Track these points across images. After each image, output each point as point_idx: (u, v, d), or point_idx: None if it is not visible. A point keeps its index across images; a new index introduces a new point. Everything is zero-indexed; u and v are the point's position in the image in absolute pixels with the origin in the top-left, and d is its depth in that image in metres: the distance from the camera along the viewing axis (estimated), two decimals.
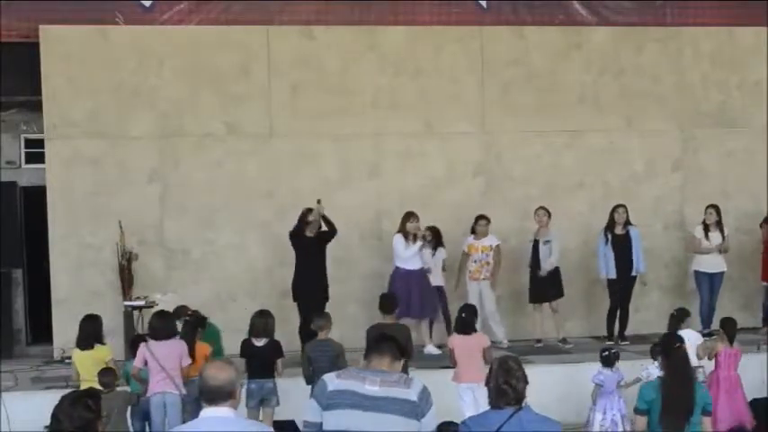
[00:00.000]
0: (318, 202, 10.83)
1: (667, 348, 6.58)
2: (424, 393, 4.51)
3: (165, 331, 8.68)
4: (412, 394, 4.50)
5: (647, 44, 12.95)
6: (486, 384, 4.74)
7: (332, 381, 4.63)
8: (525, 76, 12.61)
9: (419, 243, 11.07)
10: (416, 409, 4.47)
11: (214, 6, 12.11)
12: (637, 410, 6.49)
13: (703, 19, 13.12)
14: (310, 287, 10.77)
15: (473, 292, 11.60)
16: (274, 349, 8.91)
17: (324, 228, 10.88)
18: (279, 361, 8.91)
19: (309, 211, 10.82)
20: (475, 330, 9.38)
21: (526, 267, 12.06)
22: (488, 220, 11.71)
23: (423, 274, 11.25)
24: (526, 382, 4.71)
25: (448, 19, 12.58)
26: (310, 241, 10.85)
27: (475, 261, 11.66)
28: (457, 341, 9.18)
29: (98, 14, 11.78)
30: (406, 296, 10.55)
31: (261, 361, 8.83)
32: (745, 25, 13.13)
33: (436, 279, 11.60)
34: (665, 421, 6.20)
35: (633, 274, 11.76)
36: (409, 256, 11.07)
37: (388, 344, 4.71)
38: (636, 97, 12.85)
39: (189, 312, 9.43)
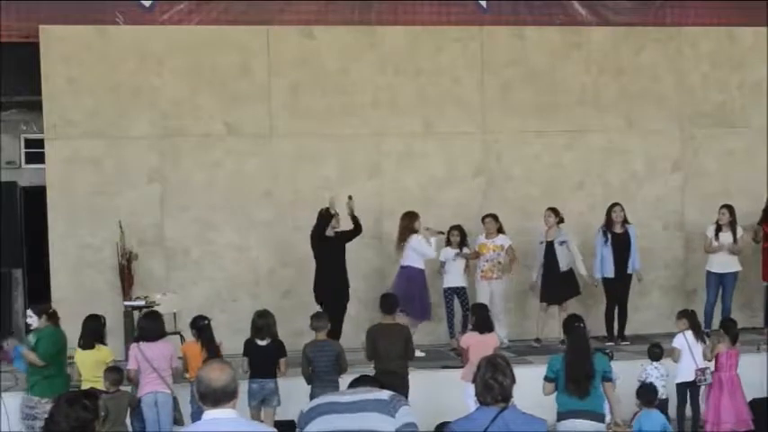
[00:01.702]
0: (350, 198, 10.85)
1: (569, 328, 7.84)
2: (396, 397, 4.66)
3: (155, 332, 8.75)
4: (383, 395, 4.61)
5: (647, 44, 12.95)
6: (474, 381, 4.76)
7: (309, 405, 4.79)
8: (525, 76, 12.60)
9: (433, 240, 11.17)
10: (388, 407, 4.55)
11: (214, 6, 12.11)
12: (546, 378, 7.63)
13: (703, 19, 13.13)
14: (338, 289, 10.75)
15: (484, 291, 11.60)
16: (277, 349, 8.91)
17: (339, 228, 10.85)
18: (282, 360, 8.91)
19: (328, 211, 10.77)
20: (493, 329, 9.48)
21: (528, 268, 12.07)
22: (494, 218, 11.71)
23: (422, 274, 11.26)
24: (513, 381, 4.72)
25: (448, 19, 12.58)
26: (333, 242, 10.83)
27: (487, 260, 11.64)
28: (473, 340, 9.20)
29: (98, 14, 11.79)
30: (413, 295, 10.64)
31: (263, 361, 8.84)
32: (745, 25, 13.13)
33: (458, 280, 11.65)
34: (570, 386, 7.41)
35: (630, 272, 11.79)
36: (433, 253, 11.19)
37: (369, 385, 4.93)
38: (636, 97, 12.85)
39: (49, 310, 9.32)
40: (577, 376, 7.45)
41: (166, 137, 11.92)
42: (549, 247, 11.67)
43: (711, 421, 9.26)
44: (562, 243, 11.67)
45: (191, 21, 12.10)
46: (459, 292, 11.64)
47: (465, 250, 11.66)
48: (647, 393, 8.33)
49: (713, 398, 9.32)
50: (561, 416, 7.48)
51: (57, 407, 4.46)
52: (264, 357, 8.82)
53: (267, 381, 8.82)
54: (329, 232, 10.80)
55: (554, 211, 11.71)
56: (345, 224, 10.96)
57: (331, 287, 10.72)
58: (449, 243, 11.73)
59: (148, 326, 8.79)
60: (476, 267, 11.71)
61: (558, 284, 11.65)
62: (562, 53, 12.74)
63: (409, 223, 11.22)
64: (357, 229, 10.97)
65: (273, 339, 8.95)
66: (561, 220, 11.71)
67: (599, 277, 11.79)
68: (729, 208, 11.92)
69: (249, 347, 8.92)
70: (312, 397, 8.71)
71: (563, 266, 11.65)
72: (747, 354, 10.04)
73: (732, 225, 11.89)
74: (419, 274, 11.17)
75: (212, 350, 8.90)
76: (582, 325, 7.83)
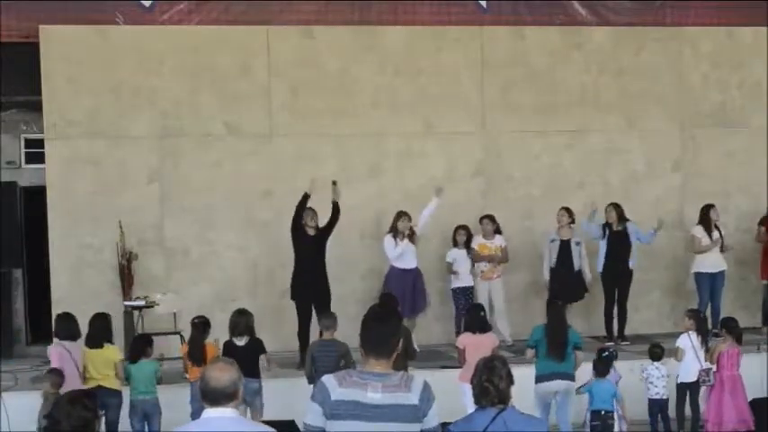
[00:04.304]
0: (334, 183, 10.81)
1: (549, 303, 9.50)
2: (425, 393, 4.47)
3: (77, 332, 8.85)
4: (413, 398, 4.44)
5: (646, 44, 12.95)
6: (471, 383, 4.78)
7: (334, 389, 4.47)
8: (525, 76, 12.60)
9: (406, 241, 11.19)
10: (418, 413, 4.44)
11: (214, 6, 12.10)
12: (528, 345, 9.15)
13: (703, 19, 13.14)
14: (309, 287, 10.71)
15: (483, 291, 11.69)
16: (256, 347, 8.89)
17: (319, 225, 10.85)
18: (262, 356, 8.89)
19: (306, 199, 10.74)
20: (490, 329, 9.53)
21: (529, 267, 12.12)
22: (491, 219, 11.76)
23: (416, 272, 11.34)
24: (511, 383, 4.74)
25: (448, 19, 12.58)
26: (312, 239, 10.81)
27: (489, 261, 11.72)
28: (470, 340, 9.22)
29: (98, 14, 11.77)
30: (400, 295, 10.56)
31: (243, 360, 8.73)
32: (745, 25, 13.13)
33: (466, 279, 11.66)
34: (550, 352, 8.80)
35: (629, 268, 11.82)
36: (397, 256, 11.17)
37: (386, 345, 4.61)
38: (636, 97, 12.85)
39: None
40: (555, 344, 8.83)
41: (166, 137, 11.92)
42: (565, 246, 11.70)
43: (713, 421, 9.26)
44: (578, 243, 11.73)
45: (191, 21, 12.09)
46: (468, 291, 11.66)
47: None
48: (603, 365, 9.06)
49: (714, 398, 9.32)
50: (541, 378, 8.84)
51: (58, 406, 4.46)
52: (244, 357, 8.65)
53: (250, 381, 8.63)
54: (309, 231, 10.78)
55: (568, 210, 11.80)
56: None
57: (306, 286, 10.70)
58: (455, 243, 11.74)
59: (71, 326, 8.87)
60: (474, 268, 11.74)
61: (570, 284, 11.69)
62: (562, 53, 12.74)
63: (392, 222, 11.32)
64: (334, 215, 10.82)
65: (252, 338, 8.93)
66: (573, 221, 11.78)
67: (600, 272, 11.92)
68: (714, 206, 11.97)
69: (228, 348, 8.88)
70: None
71: (576, 267, 11.75)
72: (747, 354, 10.03)
73: (717, 224, 11.97)
74: (401, 273, 11.23)
75: (197, 350, 8.95)
76: (560, 303, 9.41)
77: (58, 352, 8.68)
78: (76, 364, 8.64)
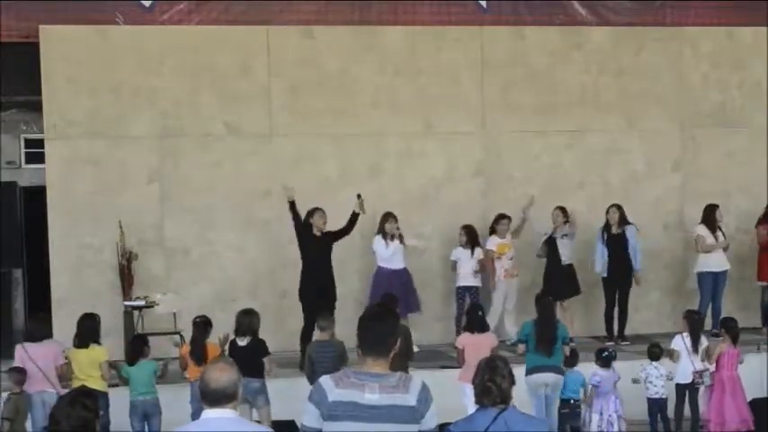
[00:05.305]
0: (359, 196, 10.87)
1: (538, 299, 9.71)
2: (423, 394, 4.46)
3: (40, 332, 9.02)
4: (411, 399, 4.43)
5: (646, 44, 12.95)
6: (473, 383, 4.78)
7: (331, 390, 4.47)
8: (525, 76, 12.60)
9: (396, 242, 11.30)
10: (416, 414, 4.43)
11: (214, 6, 12.10)
12: (518, 340, 9.62)
13: (703, 19, 13.14)
14: (318, 288, 10.68)
15: (502, 290, 11.77)
16: (258, 348, 8.90)
17: (326, 229, 10.85)
18: (266, 359, 8.89)
19: (316, 210, 10.77)
20: (488, 329, 9.61)
21: (529, 267, 12.11)
22: (509, 219, 11.86)
23: (406, 273, 11.41)
24: (512, 383, 4.74)
25: (448, 19, 12.58)
26: (318, 240, 10.81)
27: (510, 259, 11.83)
28: (469, 340, 9.24)
29: (98, 14, 11.77)
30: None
31: (244, 360, 8.75)
32: (745, 25, 13.14)
33: (470, 279, 11.68)
34: (538, 347, 9.12)
35: (629, 272, 11.82)
36: (389, 256, 11.26)
37: (384, 345, 4.61)
38: (636, 97, 12.85)
39: None
40: (544, 339, 9.13)
41: (166, 137, 11.91)
42: (551, 241, 11.73)
43: (715, 422, 9.26)
44: (564, 236, 11.73)
45: (191, 21, 12.09)
46: (471, 291, 11.66)
47: (477, 251, 11.73)
48: (572, 357, 9.44)
49: (716, 398, 9.32)
50: (531, 371, 9.07)
51: (57, 407, 4.47)
52: (245, 357, 8.68)
53: (250, 380, 8.63)
54: (316, 232, 10.78)
55: (562, 210, 11.81)
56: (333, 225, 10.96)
57: (315, 287, 10.68)
58: (460, 243, 11.76)
59: (32, 327, 9.12)
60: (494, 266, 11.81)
61: (559, 281, 11.69)
62: (562, 53, 12.74)
63: (380, 224, 11.40)
64: (349, 226, 10.89)
65: (254, 338, 8.94)
66: (567, 220, 11.79)
67: (599, 272, 11.90)
68: (718, 207, 12.02)
69: (231, 348, 8.93)
70: None
71: (565, 260, 11.75)
72: (747, 354, 10.05)
73: (719, 224, 12.05)
74: (390, 273, 11.31)
75: (199, 350, 8.97)
76: (549, 298, 9.73)
77: (18, 354, 8.88)
78: (37, 364, 8.72)
